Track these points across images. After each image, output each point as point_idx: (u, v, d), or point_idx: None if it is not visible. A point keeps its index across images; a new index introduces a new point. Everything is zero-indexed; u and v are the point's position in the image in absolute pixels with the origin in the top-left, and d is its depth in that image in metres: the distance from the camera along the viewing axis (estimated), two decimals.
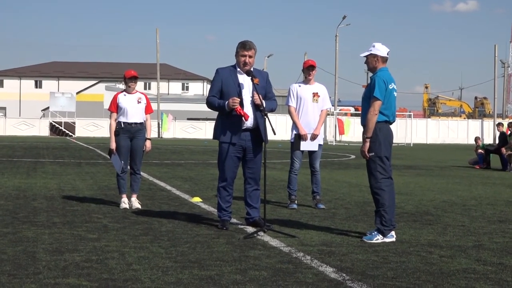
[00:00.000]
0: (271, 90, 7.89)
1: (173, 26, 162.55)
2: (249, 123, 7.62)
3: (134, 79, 9.46)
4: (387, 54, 7.12)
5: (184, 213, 8.87)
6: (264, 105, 7.56)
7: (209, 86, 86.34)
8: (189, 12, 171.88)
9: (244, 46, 7.60)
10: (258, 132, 7.68)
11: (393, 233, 6.98)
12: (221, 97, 7.63)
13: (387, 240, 6.85)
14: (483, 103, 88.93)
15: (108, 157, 9.65)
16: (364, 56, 7.14)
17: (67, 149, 30.47)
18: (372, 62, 7.09)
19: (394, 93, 7.07)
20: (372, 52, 7.08)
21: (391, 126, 7.15)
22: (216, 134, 7.77)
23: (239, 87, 7.59)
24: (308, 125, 9.57)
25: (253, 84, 7.55)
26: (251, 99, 7.61)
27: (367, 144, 6.92)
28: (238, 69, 7.66)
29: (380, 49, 7.08)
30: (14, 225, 7.62)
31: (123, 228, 7.53)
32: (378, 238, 6.84)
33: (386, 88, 6.94)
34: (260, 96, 7.54)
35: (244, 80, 7.63)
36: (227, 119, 7.61)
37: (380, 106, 6.90)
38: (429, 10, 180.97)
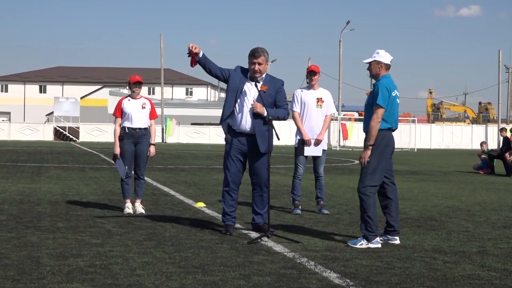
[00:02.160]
0: (282, 98, 7.79)
1: (177, 31, 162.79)
2: (247, 126, 7.64)
3: (139, 84, 9.48)
4: (390, 61, 7.12)
5: (187, 218, 8.88)
6: (265, 113, 7.51)
7: (212, 91, 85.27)
8: (193, 17, 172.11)
9: (253, 54, 7.58)
10: (255, 139, 7.65)
11: (378, 239, 6.92)
12: (226, 96, 7.71)
13: (372, 245, 6.83)
14: (487, 108, 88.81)
15: (113, 162, 9.66)
16: (367, 63, 7.14)
17: (71, 154, 30.51)
18: (375, 69, 7.07)
19: (397, 100, 7.06)
20: (376, 58, 7.07)
21: (393, 133, 7.14)
22: (223, 121, 7.77)
23: (235, 93, 7.62)
24: (311, 131, 9.58)
25: (258, 90, 7.54)
26: (250, 106, 7.64)
27: (369, 152, 6.89)
28: (248, 76, 7.66)
29: (384, 56, 7.07)
30: (18, 230, 7.63)
31: (127, 233, 7.54)
32: (363, 243, 6.84)
33: (389, 96, 6.93)
34: (260, 104, 7.52)
35: (252, 87, 7.65)
36: (232, 117, 7.64)
37: (383, 114, 6.91)
38: (433, 16, 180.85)
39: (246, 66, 7.72)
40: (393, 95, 6.98)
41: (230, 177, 7.70)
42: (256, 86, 7.54)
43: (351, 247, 6.79)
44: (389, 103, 6.93)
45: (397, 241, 7.08)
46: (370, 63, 7.10)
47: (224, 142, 7.90)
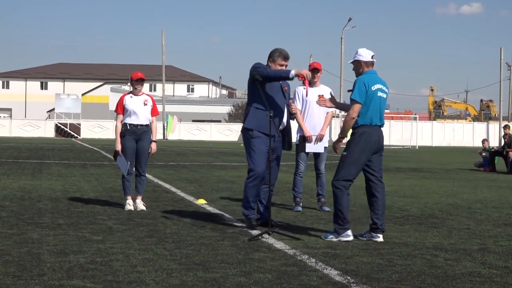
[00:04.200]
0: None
1: (178, 28, 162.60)
2: (281, 125, 7.94)
3: (141, 81, 9.47)
4: (372, 57, 7.21)
5: (189, 215, 8.87)
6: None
7: (214, 88, 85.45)
8: (194, 14, 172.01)
9: (285, 56, 7.87)
10: (285, 136, 7.99)
11: (349, 232, 7.01)
12: (268, 95, 7.79)
13: (342, 239, 6.95)
14: (489, 106, 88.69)
15: (114, 159, 9.67)
16: (351, 63, 7.31)
17: (72, 150, 30.52)
18: (357, 68, 7.25)
19: (380, 94, 7.11)
20: (355, 58, 7.24)
21: (382, 128, 7.20)
22: (254, 124, 7.80)
23: (282, 92, 7.92)
24: (313, 128, 9.58)
25: (283, 91, 7.92)
26: (285, 104, 7.97)
27: (339, 143, 7.18)
28: None
29: (363, 55, 7.20)
30: (19, 226, 7.63)
31: (128, 230, 7.54)
32: (332, 237, 6.98)
33: (366, 91, 7.02)
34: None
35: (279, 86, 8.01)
36: (264, 117, 7.67)
37: (360, 109, 6.99)
38: (434, 13, 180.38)
39: (248, 64, 7.88)
40: (373, 89, 7.05)
41: (262, 172, 7.73)
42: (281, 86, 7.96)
43: (350, 243, 6.78)
44: (367, 98, 7.01)
45: (380, 239, 7.04)
46: (352, 63, 7.29)
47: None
